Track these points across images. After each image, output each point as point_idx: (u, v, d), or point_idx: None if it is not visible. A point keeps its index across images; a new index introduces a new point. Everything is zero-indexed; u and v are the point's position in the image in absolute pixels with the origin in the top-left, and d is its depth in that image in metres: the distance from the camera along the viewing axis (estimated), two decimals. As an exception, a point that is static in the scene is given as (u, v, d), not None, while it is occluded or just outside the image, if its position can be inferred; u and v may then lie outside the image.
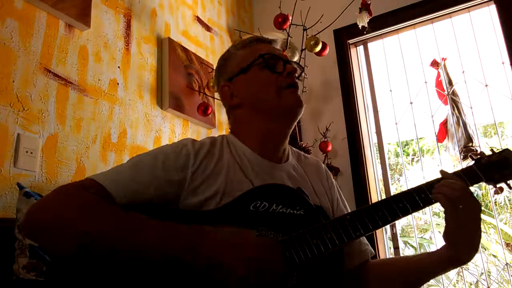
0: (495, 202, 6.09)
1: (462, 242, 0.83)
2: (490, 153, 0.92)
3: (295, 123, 1.01)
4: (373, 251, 1.05)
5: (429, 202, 0.84)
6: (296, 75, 1.01)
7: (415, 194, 0.85)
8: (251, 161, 0.94)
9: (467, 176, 0.87)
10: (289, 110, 0.97)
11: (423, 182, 0.89)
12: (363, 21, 2.03)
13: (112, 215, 0.73)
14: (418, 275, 0.92)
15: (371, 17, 2.06)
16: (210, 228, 0.73)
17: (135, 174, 0.83)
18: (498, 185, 0.90)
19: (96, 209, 0.73)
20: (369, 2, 2.05)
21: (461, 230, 0.81)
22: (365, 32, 2.14)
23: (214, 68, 2.38)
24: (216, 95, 2.35)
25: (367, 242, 1.05)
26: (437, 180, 0.86)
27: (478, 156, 0.91)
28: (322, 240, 0.79)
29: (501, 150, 0.92)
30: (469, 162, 0.92)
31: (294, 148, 1.11)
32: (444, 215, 0.84)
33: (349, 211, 1.04)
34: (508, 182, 0.90)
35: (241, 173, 0.91)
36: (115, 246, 0.70)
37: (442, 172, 0.88)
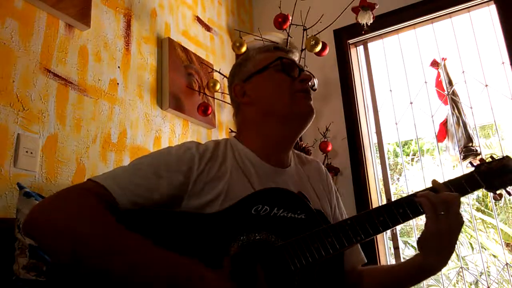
0: (495, 202, 6.08)
1: (435, 252, 0.84)
2: (490, 160, 0.92)
3: (304, 130, 1.00)
4: (365, 260, 1.05)
5: None
6: (310, 84, 1.02)
7: (415, 200, 0.85)
8: (254, 166, 0.94)
9: (468, 183, 0.87)
10: (300, 115, 0.97)
11: (423, 182, 0.89)
12: (364, 18, 2.03)
13: (111, 233, 0.70)
14: (393, 284, 0.94)
15: (374, 19, 2.05)
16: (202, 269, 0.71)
17: (137, 176, 0.82)
18: (497, 192, 0.90)
19: (95, 224, 0.71)
20: (376, 6, 2.05)
21: (437, 239, 0.82)
22: (363, 32, 2.14)
23: (214, 68, 2.39)
24: (216, 95, 2.35)
25: (361, 251, 1.06)
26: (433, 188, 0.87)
27: (479, 163, 0.91)
28: (322, 244, 0.79)
29: (501, 157, 0.92)
30: (467, 165, 0.93)
31: (295, 151, 1.10)
32: (425, 221, 0.84)
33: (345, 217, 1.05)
34: (508, 188, 0.90)
35: (243, 177, 0.91)
36: (106, 268, 0.68)
37: (433, 181, 0.88)
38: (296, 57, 1.07)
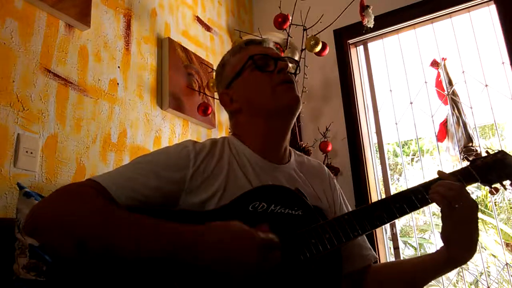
0: (495, 202, 6.09)
1: (458, 242, 0.83)
2: (486, 154, 0.93)
3: (294, 120, 1.00)
4: (376, 256, 1.04)
5: (425, 202, 0.85)
6: (291, 70, 1.01)
7: (412, 195, 0.86)
8: (252, 162, 0.95)
9: (463, 177, 0.88)
10: (285, 107, 0.96)
11: (422, 182, 0.90)
12: (370, 17, 2.03)
13: (111, 216, 0.72)
14: (417, 277, 0.92)
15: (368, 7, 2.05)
16: (203, 226, 0.72)
17: (135, 174, 0.83)
18: (493, 186, 0.91)
19: (96, 210, 0.72)
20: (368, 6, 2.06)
21: (458, 230, 0.82)
22: (363, 32, 2.14)
23: (214, 68, 2.39)
24: (216, 95, 2.35)
25: (370, 247, 1.04)
26: (434, 181, 0.87)
27: (474, 157, 0.92)
28: (320, 240, 0.79)
29: (496, 151, 0.93)
30: (465, 162, 0.94)
31: (297, 152, 1.10)
32: (441, 215, 0.84)
33: None
34: (503, 183, 0.91)
35: (241, 174, 0.91)
36: (112, 247, 0.69)
37: (439, 172, 0.88)
38: (270, 44, 1.06)
